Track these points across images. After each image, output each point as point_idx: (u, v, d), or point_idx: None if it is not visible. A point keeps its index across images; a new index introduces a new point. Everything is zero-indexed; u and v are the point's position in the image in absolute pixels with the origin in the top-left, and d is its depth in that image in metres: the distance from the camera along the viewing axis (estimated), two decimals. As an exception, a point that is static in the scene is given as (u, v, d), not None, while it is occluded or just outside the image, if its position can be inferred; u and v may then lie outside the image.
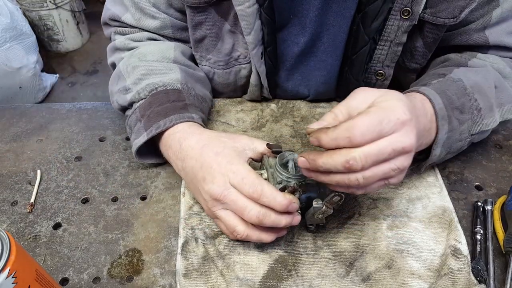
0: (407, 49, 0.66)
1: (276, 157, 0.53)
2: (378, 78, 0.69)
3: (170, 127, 0.58)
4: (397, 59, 0.66)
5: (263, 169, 0.54)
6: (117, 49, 0.72)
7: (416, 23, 0.60)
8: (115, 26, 0.73)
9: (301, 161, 0.46)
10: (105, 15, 0.73)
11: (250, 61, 0.69)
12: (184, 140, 0.56)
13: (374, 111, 0.44)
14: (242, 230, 0.50)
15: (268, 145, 0.55)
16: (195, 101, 0.64)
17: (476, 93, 0.57)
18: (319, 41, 0.67)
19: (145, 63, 0.66)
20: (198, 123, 0.60)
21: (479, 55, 0.65)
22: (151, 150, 0.63)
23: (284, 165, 0.52)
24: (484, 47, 0.65)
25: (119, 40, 0.71)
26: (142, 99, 0.62)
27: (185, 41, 0.72)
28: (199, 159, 0.53)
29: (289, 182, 0.50)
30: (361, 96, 0.48)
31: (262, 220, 0.48)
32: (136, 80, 0.64)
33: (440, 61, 0.69)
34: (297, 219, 0.51)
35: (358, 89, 0.49)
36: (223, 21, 0.65)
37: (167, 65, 0.66)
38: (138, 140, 0.59)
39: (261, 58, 0.67)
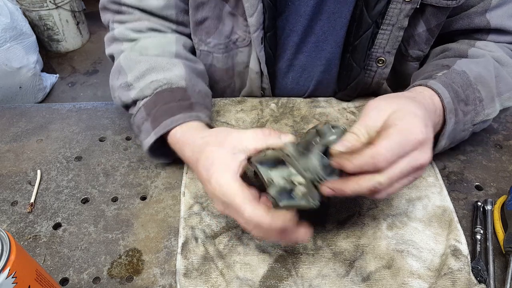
0: (409, 36, 0.67)
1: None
2: (379, 65, 0.69)
3: (176, 126, 0.57)
4: (398, 46, 0.66)
5: (284, 166, 0.47)
6: (115, 40, 0.70)
7: (418, 6, 0.60)
8: (114, 11, 0.71)
9: (326, 191, 0.46)
10: None
11: (248, 44, 0.68)
12: (183, 149, 0.56)
13: (395, 134, 0.44)
14: (247, 229, 0.48)
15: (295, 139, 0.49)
16: (200, 99, 0.63)
17: (479, 85, 0.58)
18: (319, 29, 0.68)
19: (147, 58, 0.64)
20: (204, 122, 0.59)
21: (478, 43, 0.66)
22: (161, 146, 0.62)
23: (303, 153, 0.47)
24: (485, 31, 0.66)
25: (118, 30, 0.69)
26: (146, 97, 0.61)
27: (187, 25, 0.71)
28: (196, 171, 0.53)
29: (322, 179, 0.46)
30: (375, 113, 0.48)
31: (249, 232, 0.47)
32: (138, 76, 0.63)
33: (440, 51, 0.69)
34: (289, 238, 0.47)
35: (370, 104, 0.50)
36: (223, 3, 0.65)
37: (170, 61, 0.65)
38: (147, 141, 0.59)
39: (261, 43, 0.67)
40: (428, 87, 0.56)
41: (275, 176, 0.46)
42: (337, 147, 0.46)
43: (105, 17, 0.74)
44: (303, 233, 0.46)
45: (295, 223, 0.45)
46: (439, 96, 0.54)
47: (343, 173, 0.46)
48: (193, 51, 0.73)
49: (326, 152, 0.46)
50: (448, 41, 0.70)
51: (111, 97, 0.69)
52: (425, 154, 0.46)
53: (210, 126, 0.60)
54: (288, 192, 0.45)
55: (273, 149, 0.48)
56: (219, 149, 0.49)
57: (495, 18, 0.64)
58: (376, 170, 0.44)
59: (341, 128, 0.48)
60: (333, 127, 0.47)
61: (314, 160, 0.46)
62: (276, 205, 0.44)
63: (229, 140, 0.49)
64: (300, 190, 0.45)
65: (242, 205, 0.44)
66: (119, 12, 0.71)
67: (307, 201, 0.45)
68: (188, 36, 0.73)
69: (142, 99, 0.62)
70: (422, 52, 0.69)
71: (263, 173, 0.46)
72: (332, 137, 0.47)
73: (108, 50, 0.72)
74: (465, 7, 0.64)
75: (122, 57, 0.67)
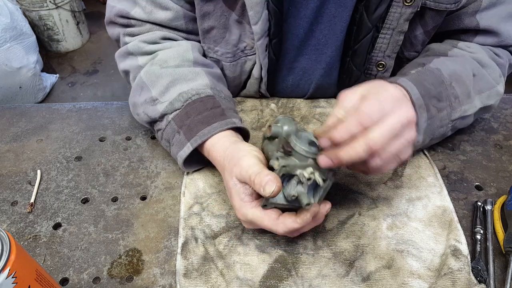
0: (406, 39, 0.67)
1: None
2: (379, 69, 0.69)
3: (213, 135, 0.57)
4: (398, 49, 0.67)
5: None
6: (130, 54, 0.69)
7: (418, 9, 0.61)
8: (122, 25, 0.70)
9: (324, 161, 0.46)
10: (110, 13, 0.70)
11: (256, 52, 0.68)
12: (214, 162, 0.59)
13: (371, 96, 0.47)
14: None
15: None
16: (227, 104, 0.63)
17: (454, 81, 0.59)
18: (319, 32, 0.68)
19: (169, 70, 0.64)
20: (237, 127, 0.60)
21: (460, 44, 0.67)
22: (193, 155, 0.62)
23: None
24: (472, 32, 0.67)
25: (132, 44, 0.69)
26: (176, 110, 0.61)
27: (196, 33, 0.71)
28: None
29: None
30: (350, 96, 0.50)
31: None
32: (163, 90, 0.62)
33: (423, 51, 0.70)
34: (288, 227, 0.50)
35: (341, 93, 0.51)
36: (230, 12, 0.65)
37: (192, 70, 0.65)
38: (183, 152, 0.59)
39: (266, 50, 0.67)
40: (398, 84, 0.55)
41: (292, 190, 0.48)
42: (320, 128, 0.48)
43: (113, 31, 0.73)
44: (327, 209, 0.51)
45: (319, 208, 0.50)
46: (407, 92, 0.54)
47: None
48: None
49: (299, 136, 0.49)
50: (436, 40, 0.70)
51: (111, 97, 0.69)
52: (408, 109, 0.48)
53: (241, 130, 0.61)
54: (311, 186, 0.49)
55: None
56: (231, 179, 0.52)
57: (484, 19, 0.64)
58: (365, 131, 0.45)
59: (281, 116, 0.50)
60: (276, 122, 0.50)
61: (302, 147, 0.47)
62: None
63: (235, 171, 0.51)
64: (317, 176, 0.47)
65: (273, 226, 0.49)
66: (128, 26, 0.70)
67: (330, 179, 0.48)
68: (199, 42, 0.73)
69: (171, 113, 0.61)
70: (417, 53, 0.70)
71: (282, 202, 0.49)
72: (286, 127, 0.49)
73: (122, 66, 0.71)
74: (460, 8, 0.64)
75: (143, 73, 0.66)
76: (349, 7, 0.64)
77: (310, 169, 0.46)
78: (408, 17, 0.62)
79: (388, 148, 0.46)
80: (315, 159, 0.47)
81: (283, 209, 0.50)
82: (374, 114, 0.45)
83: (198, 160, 0.62)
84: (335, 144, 0.46)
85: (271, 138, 0.51)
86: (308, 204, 0.47)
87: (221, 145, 0.56)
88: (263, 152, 0.54)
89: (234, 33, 0.67)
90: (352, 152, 0.45)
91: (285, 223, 0.49)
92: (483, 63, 0.64)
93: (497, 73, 0.65)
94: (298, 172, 0.47)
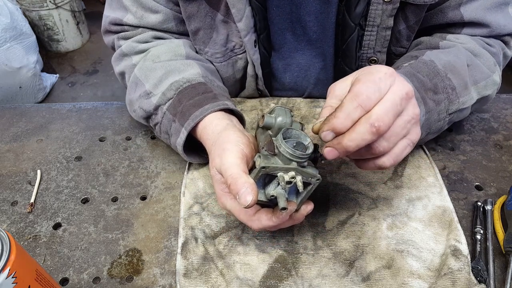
0: (392, 35, 0.67)
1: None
2: (372, 64, 0.69)
3: (205, 116, 0.57)
4: (387, 44, 0.67)
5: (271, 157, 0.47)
6: (124, 55, 0.70)
7: (398, 5, 0.61)
8: (116, 32, 0.72)
9: (329, 151, 0.44)
10: (105, 22, 0.72)
11: (246, 50, 0.69)
12: (204, 144, 0.57)
13: (363, 77, 0.44)
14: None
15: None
16: (220, 90, 0.64)
17: (449, 73, 0.58)
18: (309, 29, 0.68)
19: (161, 63, 0.64)
20: (231, 109, 0.59)
21: (449, 36, 0.66)
22: (191, 144, 0.62)
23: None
24: (459, 25, 0.66)
25: (125, 45, 0.70)
26: (169, 100, 0.61)
27: (188, 34, 0.72)
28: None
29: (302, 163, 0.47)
30: (341, 85, 0.48)
31: (234, 215, 0.51)
32: (156, 83, 0.63)
33: (414, 45, 0.70)
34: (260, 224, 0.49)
35: (333, 84, 0.50)
36: (215, 12, 0.65)
37: (184, 62, 0.65)
38: (180, 138, 0.58)
39: (255, 46, 0.67)
40: None
41: (272, 190, 0.47)
42: (317, 122, 0.46)
43: (109, 39, 0.74)
44: (308, 210, 0.50)
45: (295, 207, 0.49)
46: None
47: (318, 152, 0.47)
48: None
49: (288, 134, 0.48)
50: (424, 35, 0.70)
51: (111, 97, 0.70)
52: (404, 83, 0.44)
53: (235, 113, 0.60)
54: (293, 188, 0.48)
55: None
56: (212, 168, 0.51)
57: (469, 12, 0.64)
58: (365, 112, 0.42)
59: (277, 107, 0.49)
60: (271, 112, 0.49)
61: (287, 150, 0.45)
62: (297, 210, 0.49)
63: (216, 162, 0.50)
64: (298, 181, 0.45)
65: (248, 222, 0.49)
66: (122, 32, 0.72)
67: (313, 183, 0.46)
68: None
69: (165, 103, 0.61)
70: (405, 48, 0.70)
71: (261, 198, 0.48)
72: (279, 119, 0.49)
73: (118, 69, 0.72)
74: (441, 2, 0.64)
75: (136, 69, 0.66)
76: (334, 4, 0.65)
77: (292, 173, 0.44)
78: (391, 13, 0.62)
79: (393, 127, 0.43)
80: (299, 162, 0.45)
81: (262, 205, 0.50)
82: (371, 94, 0.42)
83: (203, 151, 0.62)
84: (338, 134, 0.43)
85: (264, 128, 0.50)
86: (284, 209, 0.45)
87: (213, 128, 0.55)
88: (256, 140, 0.53)
89: (222, 33, 0.68)
90: (356, 136, 0.42)
91: (260, 220, 0.48)
92: (475, 52, 0.63)
93: (491, 62, 0.64)
94: (279, 174, 0.45)
